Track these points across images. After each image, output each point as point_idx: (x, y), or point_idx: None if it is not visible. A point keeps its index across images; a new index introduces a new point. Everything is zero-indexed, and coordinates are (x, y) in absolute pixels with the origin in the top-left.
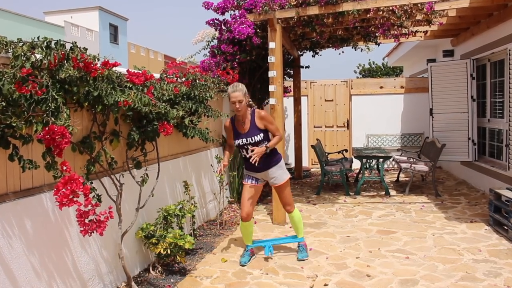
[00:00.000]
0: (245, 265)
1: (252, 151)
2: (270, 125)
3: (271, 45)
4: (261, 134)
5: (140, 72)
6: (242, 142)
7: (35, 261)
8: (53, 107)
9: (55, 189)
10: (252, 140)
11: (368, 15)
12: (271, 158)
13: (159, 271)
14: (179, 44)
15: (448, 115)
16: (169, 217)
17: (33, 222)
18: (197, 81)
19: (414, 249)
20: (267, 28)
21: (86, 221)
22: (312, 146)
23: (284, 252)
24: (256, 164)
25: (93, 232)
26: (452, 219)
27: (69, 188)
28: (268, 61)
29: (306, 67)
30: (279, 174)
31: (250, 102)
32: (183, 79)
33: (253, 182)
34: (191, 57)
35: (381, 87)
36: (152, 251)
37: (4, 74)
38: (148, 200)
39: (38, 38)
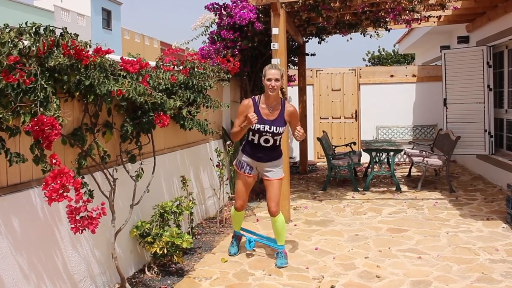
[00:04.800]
0: (234, 255)
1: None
2: (296, 125)
3: (275, 31)
4: (284, 127)
5: (135, 59)
6: (264, 128)
7: (22, 261)
8: (42, 97)
9: (44, 184)
10: (276, 130)
11: None
12: (276, 153)
13: (155, 272)
14: (177, 30)
15: (463, 106)
16: (165, 215)
17: (20, 220)
18: (196, 69)
19: (426, 249)
20: (270, 13)
21: (77, 217)
22: (318, 139)
23: (287, 251)
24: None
25: (85, 230)
26: (467, 217)
27: (58, 182)
28: (271, 48)
29: (312, 54)
30: (278, 169)
31: (284, 90)
32: (181, 67)
33: (247, 171)
34: (188, 42)
35: (392, 76)
36: (148, 250)
37: None
38: (143, 196)
39: (26, 23)
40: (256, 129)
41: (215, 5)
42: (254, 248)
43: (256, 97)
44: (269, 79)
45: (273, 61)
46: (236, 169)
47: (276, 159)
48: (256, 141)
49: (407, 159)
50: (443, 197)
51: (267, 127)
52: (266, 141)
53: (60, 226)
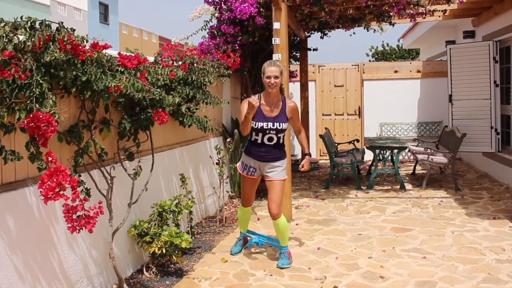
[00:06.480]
0: (235, 255)
1: (302, 166)
2: (297, 121)
3: (276, 25)
4: (287, 124)
5: (133, 55)
6: (268, 126)
7: (18, 261)
8: (38, 93)
9: (40, 182)
10: (279, 126)
11: None
12: (280, 152)
13: (153, 272)
14: (176, 24)
15: (469, 102)
16: (164, 213)
17: (16, 219)
18: (195, 64)
19: (431, 248)
20: (271, 7)
21: (74, 216)
22: (321, 136)
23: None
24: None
25: (82, 229)
26: (473, 216)
27: (55, 180)
28: (273, 43)
29: (314, 49)
30: (280, 170)
31: (282, 86)
32: (180, 62)
33: (250, 173)
34: (187, 38)
35: (396, 72)
36: (146, 250)
37: None
38: (142, 194)
39: (21, 17)
40: (259, 127)
41: None
42: (255, 243)
43: (257, 96)
44: (269, 77)
45: (274, 56)
46: (241, 172)
47: (279, 159)
48: (259, 141)
49: (412, 157)
50: (449, 195)
51: (270, 124)
52: (270, 139)
53: (56, 226)
